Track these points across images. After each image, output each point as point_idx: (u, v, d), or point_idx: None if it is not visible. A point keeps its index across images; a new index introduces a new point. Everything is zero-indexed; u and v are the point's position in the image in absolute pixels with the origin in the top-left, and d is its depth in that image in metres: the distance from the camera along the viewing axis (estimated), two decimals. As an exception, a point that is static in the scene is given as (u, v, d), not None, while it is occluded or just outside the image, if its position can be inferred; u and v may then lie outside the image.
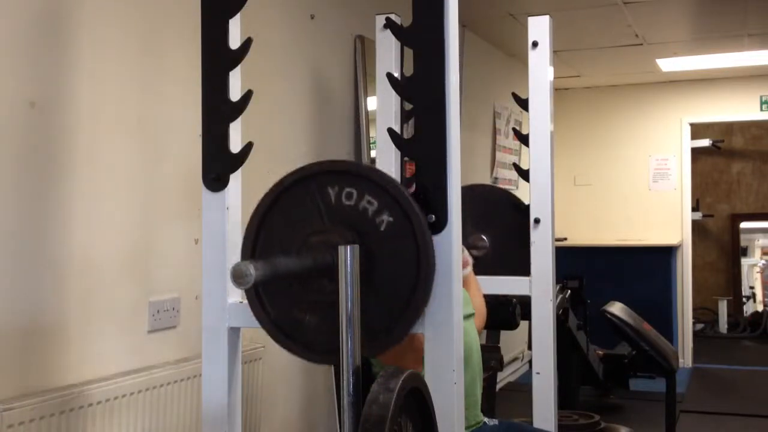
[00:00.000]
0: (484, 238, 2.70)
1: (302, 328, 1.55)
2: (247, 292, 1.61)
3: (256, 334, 2.78)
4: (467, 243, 2.47)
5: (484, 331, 3.49)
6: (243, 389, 1.88)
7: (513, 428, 2.30)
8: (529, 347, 2.71)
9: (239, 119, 1.71)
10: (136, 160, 2.35)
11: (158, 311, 2.40)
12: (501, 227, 2.79)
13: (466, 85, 4.64)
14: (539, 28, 2.68)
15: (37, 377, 2.00)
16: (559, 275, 2.87)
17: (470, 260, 2.35)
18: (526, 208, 2.67)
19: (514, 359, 6.13)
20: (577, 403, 4.59)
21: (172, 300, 2.46)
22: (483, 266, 2.52)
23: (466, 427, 2.03)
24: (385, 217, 1.49)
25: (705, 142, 7.98)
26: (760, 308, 8.75)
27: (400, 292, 1.48)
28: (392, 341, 1.51)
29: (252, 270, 1.29)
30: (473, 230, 2.71)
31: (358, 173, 1.54)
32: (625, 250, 6.80)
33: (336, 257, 1.42)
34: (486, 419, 2.24)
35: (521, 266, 2.66)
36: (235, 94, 1.70)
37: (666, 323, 6.40)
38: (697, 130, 7.40)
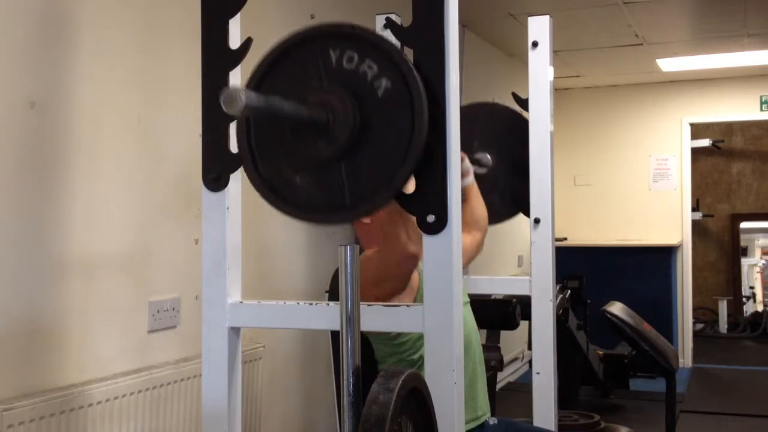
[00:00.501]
0: (489, 156, 2.67)
1: (294, 187, 1.54)
2: (242, 154, 1.58)
3: (256, 334, 2.78)
4: (471, 158, 2.48)
5: (484, 331, 3.49)
6: (243, 389, 1.88)
7: (513, 427, 2.29)
8: (529, 347, 2.71)
9: (239, 119, 1.71)
10: (136, 160, 2.35)
11: (158, 311, 2.40)
12: (506, 147, 2.75)
13: (466, 85, 4.64)
14: (539, 28, 2.68)
15: (37, 377, 2.00)
16: (559, 275, 2.86)
17: (471, 169, 2.42)
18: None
19: (514, 359, 6.13)
20: (577, 403, 4.59)
21: (172, 300, 2.46)
22: (486, 185, 2.51)
23: (467, 422, 2.03)
24: (384, 82, 1.48)
25: (705, 142, 7.98)
26: (760, 308, 8.76)
27: (391, 157, 1.47)
28: (379, 204, 1.51)
29: (243, 96, 1.28)
30: (479, 148, 2.68)
31: (361, 37, 1.53)
32: (625, 250, 6.80)
33: (330, 116, 1.44)
34: (487, 417, 2.24)
35: (522, 190, 2.63)
36: (235, 94, 1.70)
37: (666, 323, 6.40)
38: (697, 130, 7.39)
